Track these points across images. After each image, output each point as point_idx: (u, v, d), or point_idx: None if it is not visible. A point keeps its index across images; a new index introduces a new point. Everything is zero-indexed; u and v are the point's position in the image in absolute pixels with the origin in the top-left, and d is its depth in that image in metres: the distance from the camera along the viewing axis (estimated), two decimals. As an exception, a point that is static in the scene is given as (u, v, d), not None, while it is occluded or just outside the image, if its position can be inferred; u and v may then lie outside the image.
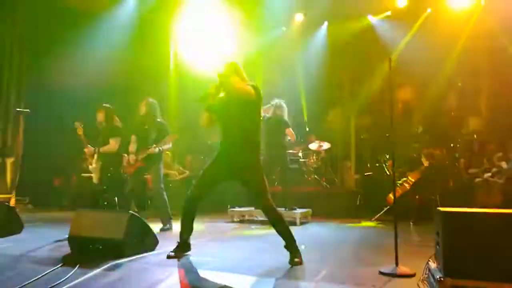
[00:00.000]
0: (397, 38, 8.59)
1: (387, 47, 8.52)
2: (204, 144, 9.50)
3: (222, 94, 3.53)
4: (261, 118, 3.64)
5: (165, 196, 5.26)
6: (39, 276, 2.76)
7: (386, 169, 7.49)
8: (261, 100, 3.47)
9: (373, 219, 6.37)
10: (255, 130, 3.47)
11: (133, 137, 5.35)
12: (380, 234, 5.14)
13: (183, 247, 3.53)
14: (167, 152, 7.37)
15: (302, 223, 5.92)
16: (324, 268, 3.06)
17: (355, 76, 9.23)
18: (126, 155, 5.35)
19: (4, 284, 2.61)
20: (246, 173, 3.44)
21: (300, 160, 8.25)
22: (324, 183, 8.00)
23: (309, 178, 8.12)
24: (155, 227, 4.65)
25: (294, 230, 5.29)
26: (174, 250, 3.45)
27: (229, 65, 3.53)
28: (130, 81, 9.09)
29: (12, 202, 7.36)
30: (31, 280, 2.67)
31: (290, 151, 7.90)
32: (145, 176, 5.72)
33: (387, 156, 7.54)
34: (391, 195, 6.21)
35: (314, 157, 8.30)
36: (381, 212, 6.39)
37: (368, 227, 5.87)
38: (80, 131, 5.27)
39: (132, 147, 5.31)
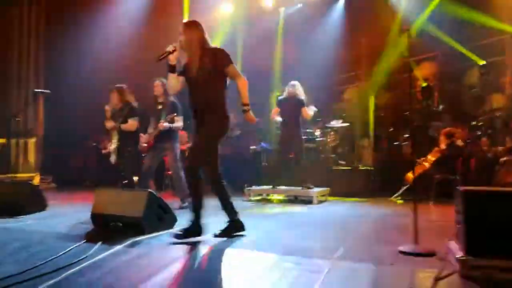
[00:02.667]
0: (417, 12, 8.30)
1: (407, 22, 8.25)
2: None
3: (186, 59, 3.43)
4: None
5: (183, 175, 5.32)
6: (64, 251, 2.84)
7: (404, 148, 7.38)
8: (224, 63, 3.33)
9: (391, 198, 6.33)
10: (221, 100, 3.42)
11: (151, 118, 5.41)
12: (399, 213, 5.11)
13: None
14: (183, 132, 7.42)
15: (319, 202, 5.92)
16: (341, 246, 3.07)
17: (374, 52, 9.01)
18: (142, 134, 5.41)
19: (33, 258, 2.70)
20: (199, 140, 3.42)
21: (317, 139, 8.18)
22: (341, 161, 7.94)
23: (326, 157, 8.06)
24: (173, 205, 4.72)
25: (311, 209, 5.39)
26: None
27: (191, 27, 3.40)
28: (143, 62, 9.09)
29: (36, 181, 7.56)
30: (57, 255, 2.74)
31: (307, 130, 7.86)
32: (162, 155, 5.77)
33: (406, 135, 7.42)
34: (410, 174, 6.14)
35: (332, 136, 8.22)
36: (400, 191, 6.33)
37: (386, 206, 5.84)
38: (108, 107, 5.33)
39: (151, 127, 5.36)
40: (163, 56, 3.36)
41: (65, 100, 8.20)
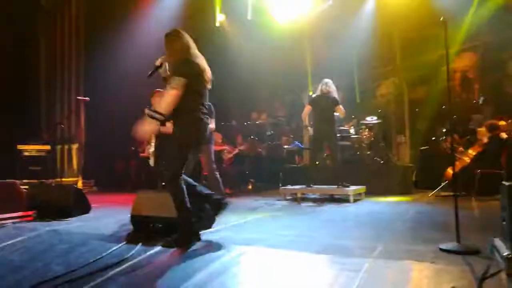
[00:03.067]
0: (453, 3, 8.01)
1: (443, 13, 7.98)
2: (253, 123, 9.60)
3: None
4: (199, 95, 3.38)
5: (218, 175, 5.40)
6: (107, 252, 2.96)
7: (443, 143, 7.15)
8: (196, 75, 3.29)
9: (430, 194, 6.15)
10: (188, 107, 3.32)
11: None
12: (439, 210, 4.96)
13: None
14: (217, 133, 7.53)
15: (355, 200, 5.84)
16: (380, 244, 3.03)
17: (408, 45, 8.79)
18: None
19: (78, 259, 2.83)
20: (169, 148, 3.46)
21: (352, 136, 8.07)
22: (378, 158, 7.80)
23: (362, 154, 7.94)
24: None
25: (347, 207, 5.33)
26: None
27: (171, 37, 3.41)
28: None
29: (80, 185, 7.90)
30: (100, 256, 2.87)
31: (341, 127, 7.77)
32: (197, 156, 5.87)
33: (444, 130, 7.19)
34: (449, 170, 5.95)
35: (367, 133, 8.08)
36: (439, 188, 6.15)
37: (425, 203, 5.68)
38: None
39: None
40: (152, 72, 3.42)
41: (105, 106, 8.52)
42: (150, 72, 3.41)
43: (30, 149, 7.43)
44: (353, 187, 5.96)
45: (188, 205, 3.26)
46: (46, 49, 8.43)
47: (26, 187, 5.18)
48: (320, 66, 8.88)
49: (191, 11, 9.51)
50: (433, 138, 7.70)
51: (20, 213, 4.45)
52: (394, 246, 3.04)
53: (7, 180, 4.80)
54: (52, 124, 8.19)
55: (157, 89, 5.58)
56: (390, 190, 6.65)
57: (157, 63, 3.41)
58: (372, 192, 6.46)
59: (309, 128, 6.49)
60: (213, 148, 5.55)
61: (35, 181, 7.02)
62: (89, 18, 8.85)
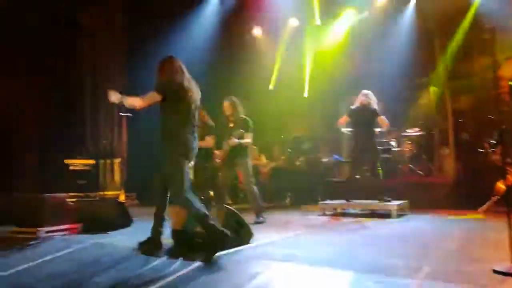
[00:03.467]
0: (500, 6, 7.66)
1: (488, 17, 7.64)
2: (291, 137, 9.56)
3: None
4: (185, 114, 3.60)
5: (256, 189, 5.40)
6: (149, 266, 3.02)
7: (492, 155, 6.80)
8: (176, 94, 3.54)
9: (479, 210, 5.83)
10: (174, 126, 3.54)
11: (224, 135, 5.59)
12: (489, 227, 4.69)
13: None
14: (253, 147, 7.55)
15: (398, 216, 5.64)
16: (426, 263, 2.89)
17: (451, 52, 8.48)
18: (216, 151, 5.62)
19: (121, 273, 2.90)
20: (165, 167, 3.60)
21: (393, 149, 7.86)
22: (421, 172, 7.53)
23: (404, 168, 7.70)
24: (249, 220, 4.78)
25: (390, 223, 5.15)
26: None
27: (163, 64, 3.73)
28: (218, 81, 9.47)
29: (122, 198, 8.13)
30: (142, 270, 2.92)
31: (382, 140, 7.59)
32: (235, 170, 5.91)
33: (492, 141, 6.83)
34: (500, 184, 5.63)
35: (408, 146, 7.84)
36: (489, 203, 5.82)
37: (474, 219, 5.39)
38: None
39: (224, 144, 5.55)
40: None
41: (146, 121, 8.78)
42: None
43: (76, 163, 7.75)
44: (395, 202, 5.77)
45: (205, 212, 3.36)
46: (90, 67, 8.84)
47: (73, 200, 5.40)
48: (357, 77, 8.74)
49: (230, 25, 9.70)
50: (481, 150, 7.34)
51: (67, 226, 4.62)
52: (442, 267, 2.89)
53: (56, 194, 5.01)
54: (96, 139, 8.52)
55: None
56: (435, 205, 6.37)
57: (114, 99, 3.69)
58: (415, 207, 6.22)
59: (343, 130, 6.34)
60: (250, 162, 5.56)
61: (81, 194, 7.31)
62: (130, 34, 9.21)
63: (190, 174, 3.56)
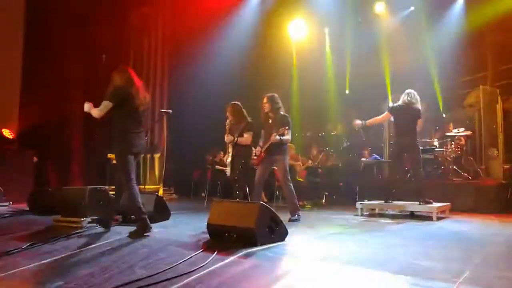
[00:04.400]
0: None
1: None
2: (329, 135, 9.44)
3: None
4: (132, 116, 4.21)
5: (292, 187, 5.37)
6: (185, 259, 3.08)
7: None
8: (124, 100, 4.11)
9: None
10: (122, 127, 4.15)
11: (262, 132, 5.60)
12: (539, 233, 4.42)
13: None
14: (291, 145, 7.52)
15: (439, 219, 5.43)
16: (467, 268, 2.76)
17: (501, 50, 8.05)
18: (254, 148, 5.63)
19: (157, 264, 2.98)
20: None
21: (436, 149, 7.57)
22: (465, 174, 7.20)
23: (447, 169, 7.40)
24: (284, 217, 4.77)
25: (430, 225, 4.97)
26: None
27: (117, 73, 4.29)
28: (257, 79, 9.53)
29: (160, 193, 8.37)
30: (178, 263, 2.98)
31: (425, 139, 7.33)
32: (272, 168, 5.90)
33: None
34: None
35: (453, 146, 7.53)
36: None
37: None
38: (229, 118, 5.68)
39: (262, 141, 5.56)
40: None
41: (185, 118, 8.98)
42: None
43: (118, 157, 8.04)
44: (436, 204, 5.55)
45: (140, 201, 4.17)
46: (134, 66, 9.15)
47: (114, 193, 5.61)
48: (401, 75, 8.49)
49: (269, 21, 9.71)
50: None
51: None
52: (484, 272, 2.76)
53: (98, 186, 5.23)
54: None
55: (233, 102, 5.75)
56: (479, 209, 6.08)
57: (86, 109, 4.22)
58: (459, 210, 5.96)
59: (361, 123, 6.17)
60: (288, 160, 5.54)
61: (122, 187, 7.58)
62: (173, 34, 9.45)
63: (134, 165, 4.23)
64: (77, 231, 4.28)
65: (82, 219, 4.54)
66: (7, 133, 7.60)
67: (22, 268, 3.02)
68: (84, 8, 8.35)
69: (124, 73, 4.31)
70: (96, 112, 4.13)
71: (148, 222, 4.10)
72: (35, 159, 6.08)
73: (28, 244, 3.69)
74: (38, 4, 8.22)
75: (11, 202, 6.57)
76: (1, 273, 2.89)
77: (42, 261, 3.18)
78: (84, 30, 8.41)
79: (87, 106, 4.21)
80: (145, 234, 4.01)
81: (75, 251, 3.44)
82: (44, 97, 7.65)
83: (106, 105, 4.13)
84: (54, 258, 3.26)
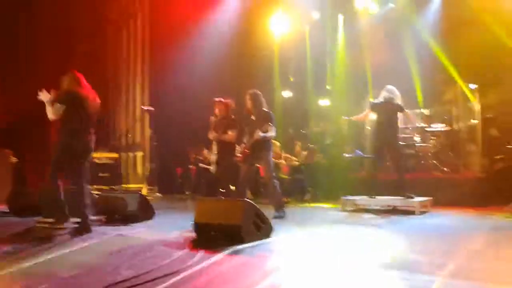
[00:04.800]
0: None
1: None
2: (311, 131, 9.50)
3: None
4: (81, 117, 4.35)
5: (277, 184, 5.38)
6: (171, 258, 3.05)
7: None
8: (73, 102, 4.30)
9: (507, 208, 5.65)
10: (67, 121, 4.31)
11: (246, 129, 5.59)
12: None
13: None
14: (275, 142, 7.52)
15: (421, 213, 5.53)
16: (451, 261, 2.83)
17: (478, 46, 8.22)
18: (237, 145, 5.61)
19: (143, 264, 2.94)
20: None
21: (416, 144, 7.70)
22: (445, 168, 7.36)
23: (427, 164, 7.54)
24: (269, 214, 4.78)
25: (413, 220, 5.05)
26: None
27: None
28: (239, 75, 9.49)
29: (144, 191, 8.27)
30: (164, 262, 2.95)
31: (404, 135, 7.45)
32: (256, 165, 5.90)
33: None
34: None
35: (432, 141, 7.67)
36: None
37: (502, 217, 5.21)
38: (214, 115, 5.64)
39: (246, 138, 5.55)
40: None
41: (167, 115, 8.89)
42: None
43: (100, 156, 7.92)
44: (418, 199, 5.66)
45: (62, 197, 4.33)
46: (113, 62, 8.99)
47: (96, 192, 5.52)
48: (380, 71, 8.59)
49: (249, 19, 9.68)
50: (510, 146, 7.12)
51: (91, 217, 4.72)
52: (468, 264, 2.82)
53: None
54: (119, 133, 8.67)
55: (216, 99, 5.72)
56: (459, 202, 6.22)
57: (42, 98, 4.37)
58: (440, 204, 6.08)
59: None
60: (272, 156, 5.54)
61: (105, 187, 7.46)
62: (152, 30, 9.32)
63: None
64: (60, 232, 4.19)
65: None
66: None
67: (4, 271, 2.94)
68: (61, 2, 8.14)
69: (72, 77, 4.52)
70: (50, 114, 4.34)
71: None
72: (13, 159, 5.91)
73: (10, 247, 3.59)
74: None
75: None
76: (-18, 277, 2.81)
77: (25, 264, 3.10)
78: (61, 21, 8.18)
79: (44, 96, 4.35)
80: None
81: (58, 253, 3.37)
82: (18, 93, 7.42)
83: (58, 107, 4.33)
84: (37, 260, 3.18)
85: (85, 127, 4.41)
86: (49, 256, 3.24)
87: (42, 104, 4.37)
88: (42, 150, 7.77)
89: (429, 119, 8.10)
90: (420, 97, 8.86)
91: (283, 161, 8.44)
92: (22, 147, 7.43)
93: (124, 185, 7.90)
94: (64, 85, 4.49)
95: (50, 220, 4.47)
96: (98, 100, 4.57)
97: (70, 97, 4.36)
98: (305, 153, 8.82)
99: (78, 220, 4.35)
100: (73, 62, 8.41)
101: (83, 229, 4.15)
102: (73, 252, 3.40)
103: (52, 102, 4.29)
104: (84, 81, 4.52)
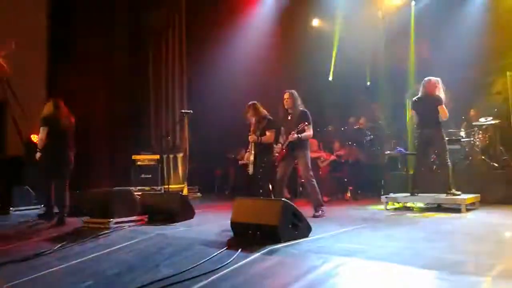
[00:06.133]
0: None
1: None
2: (351, 128, 9.31)
3: None
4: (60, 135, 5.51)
5: (315, 183, 5.33)
6: (210, 257, 3.10)
7: None
8: (53, 124, 5.44)
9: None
10: (49, 140, 5.49)
11: (282, 129, 5.59)
12: None
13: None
14: (313, 140, 7.45)
15: (468, 210, 5.28)
16: (499, 261, 2.68)
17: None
18: (275, 145, 5.62)
19: (183, 263, 3.02)
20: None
21: (463, 139, 7.36)
22: (494, 164, 6.97)
23: (475, 160, 7.19)
24: (308, 213, 4.74)
25: (458, 218, 4.84)
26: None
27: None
28: (274, 76, 9.51)
29: (185, 192, 8.46)
30: (204, 260, 3.01)
31: (449, 129, 7.14)
32: (294, 164, 5.87)
33: None
34: None
35: (480, 136, 7.30)
36: None
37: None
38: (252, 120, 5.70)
39: (282, 138, 5.55)
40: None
41: (206, 118, 9.06)
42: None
43: (142, 158, 8.19)
44: (464, 196, 5.41)
45: (52, 199, 5.50)
46: (154, 68, 9.27)
47: (139, 193, 5.71)
48: (424, 63, 8.28)
49: (287, 17, 9.69)
50: None
51: (134, 217, 4.91)
52: (517, 265, 2.66)
53: (124, 188, 5.34)
54: (160, 136, 8.93)
55: (252, 102, 5.75)
56: (509, 200, 5.88)
57: None
58: (488, 202, 5.78)
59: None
60: (309, 155, 5.50)
61: (147, 188, 7.71)
62: (191, 34, 9.53)
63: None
64: (105, 232, 4.38)
65: (110, 220, 4.64)
66: (35, 138, 7.84)
67: (54, 268, 3.11)
68: (104, 11, 8.51)
69: (52, 102, 5.57)
70: (39, 140, 5.44)
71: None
72: None
73: (59, 245, 3.80)
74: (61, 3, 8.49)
75: (42, 205, 6.77)
76: (36, 273, 2.99)
77: (73, 262, 3.27)
78: (105, 32, 8.57)
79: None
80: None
81: (103, 251, 3.52)
82: (68, 99, 7.85)
83: (41, 130, 5.40)
84: (84, 258, 3.35)
85: (65, 147, 5.52)
86: (93, 255, 3.40)
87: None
88: (87, 158, 8.17)
89: (476, 113, 7.73)
90: (466, 90, 8.48)
91: (321, 160, 8.35)
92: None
93: (165, 186, 8.10)
94: (44, 110, 5.52)
95: (96, 220, 4.69)
96: (73, 121, 5.67)
97: (50, 121, 5.41)
98: (344, 150, 8.68)
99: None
100: (117, 72, 8.80)
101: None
102: (116, 250, 3.55)
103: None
104: (62, 105, 5.59)
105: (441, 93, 5.72)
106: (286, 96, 5.46)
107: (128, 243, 3.79)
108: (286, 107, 5.49)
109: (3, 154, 7.99)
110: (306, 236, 3.73)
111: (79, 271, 3.04)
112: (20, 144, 6.91)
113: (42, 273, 3.00)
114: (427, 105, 5.69)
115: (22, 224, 5.43)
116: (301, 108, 5.44)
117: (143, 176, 7.96)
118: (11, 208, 6.68)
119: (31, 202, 6.48)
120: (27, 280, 2.84)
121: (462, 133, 7.47)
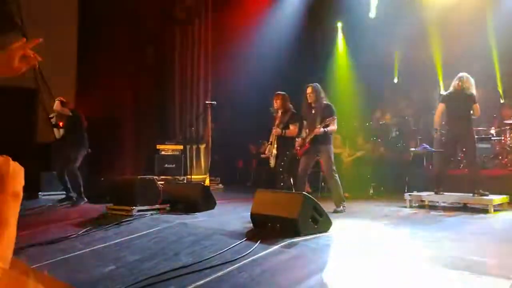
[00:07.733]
0: None
1: None
2: (376, 124, 9.17)
3: None
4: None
5: (337, 178, 5.28)
6: (229, 247, 3.13)
7: None
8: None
9: None
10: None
11: (305, 123, 5.54)
12: None
13: None
14: (336, 135, 7.37)
15: (496, 211, 5.12)
16: (527, 265, 2.59)
17: None
18: (297, 138, 5.58)
19: (202, 252, 3.06)
20: None
21: (493, 138, 7.13)
22: (526, 164, 6.73)
23: (505, 160, 6.96)
24: (329, 208, 4.71)
25: (485, 219, 4.70)
26: None
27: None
28: (298, 69, 9.44)
29: (207, 182, 8.54)
30: (223, 250, 3.04)
31: (480, 128, 6.93)
32: (317, 158, 5.83)
33: None
34: None
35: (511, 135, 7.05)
36: None
37: None
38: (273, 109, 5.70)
39: (305, 131, 5.50)
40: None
41: (229, 109, 9.10)
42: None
43: (166, 148, 8.31)
44: (493, 196, 5.24)
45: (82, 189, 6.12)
46: (179, 59, 9.35)
47: (162, 182, 5.80)
48: (453, 59, 8.03)
49: (310, 14, 9.60)
50: None
51: (156, 206, 5.00)
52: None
53: (148, 176, 5.44)
54: (184, 126, 9.03)
55: (277, 92, 5.73)
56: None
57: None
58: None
59: (437, 133, 5.95)
60: (332, 150, 5.44)
61: (170, 177, 7.82)
62: (217, 24, 9.56)
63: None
64: (128, 218, 4.48)
65: (133, 207, 4.74)
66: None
67: (79, 252, 3.21)
68: (132, 3, 8.64)
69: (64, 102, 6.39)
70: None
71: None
72: (88, 150, 6.43)
73: (84, 230, 3.92)
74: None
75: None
76: (62, 255, 3.09)
77: (96, 246, 3.36)
78: (132, 24, 8.70)
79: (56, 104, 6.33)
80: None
81: (125, 238, 3.61)
82: (96, 88, 8.04)
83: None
84: (107, 243, 3.44)
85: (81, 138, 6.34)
86: (116, 241, 3.49)
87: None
88: (113, 146, 8.36)
89: (509, 111, 7.47)
90: (500, 86, 8.18)
91: (345, 155, 8.26)
92: (97, 139, 8.00)
93: (188, 176, 8.20)
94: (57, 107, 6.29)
95: (119, 207, 4.80)
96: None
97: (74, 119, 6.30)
98: (368, 146, 8.56)
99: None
100: (144, 63, 8.92)
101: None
102: (139, 237, 3.63)
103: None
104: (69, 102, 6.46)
105: (473, 89, 5.54)
106: (309, 90, 5.39)
107: (150, 230, 3.87)
108: (309, 101, 5.42)
109: (33, 141, 8.29)
110: (326, 231, 3.71)
111: (102, 256, 3.13)
112: (50, 132, 7.12)
113: (67, 256, 3.10)
114: (460, 101, 5.51)
115: (50, 209, 5.62)
116: (325, 102, 5.38)
117: (166, 165, 8.06)
118: (39, 193, 6.95)
119: (58, 188, 6.69)
120: (53, 262, 2.94)
121: (493, 131, 7.23)
